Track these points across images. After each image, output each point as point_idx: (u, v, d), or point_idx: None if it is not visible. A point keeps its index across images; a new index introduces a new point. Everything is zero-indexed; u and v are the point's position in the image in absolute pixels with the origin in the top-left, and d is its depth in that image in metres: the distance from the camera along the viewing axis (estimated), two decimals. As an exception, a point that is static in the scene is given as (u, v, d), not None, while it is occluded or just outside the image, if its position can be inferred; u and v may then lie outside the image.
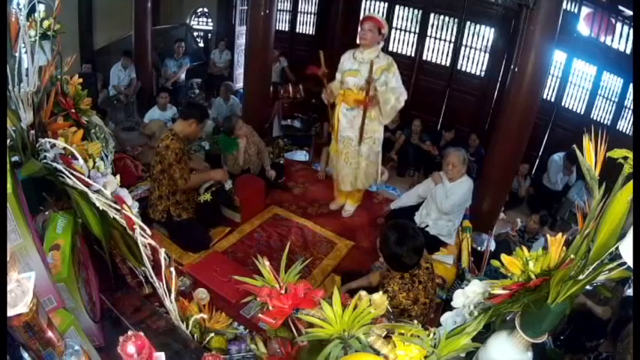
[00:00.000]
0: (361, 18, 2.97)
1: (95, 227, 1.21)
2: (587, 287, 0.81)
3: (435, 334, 0.90)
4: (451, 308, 1.07)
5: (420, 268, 1.78)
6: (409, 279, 1.74)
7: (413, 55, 5.81)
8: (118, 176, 1.33)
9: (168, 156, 2.58)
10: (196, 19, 7.77)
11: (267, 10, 4.02)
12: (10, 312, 0.60)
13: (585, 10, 4.50)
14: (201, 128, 2.81)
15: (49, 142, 1.23)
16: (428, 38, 5.68)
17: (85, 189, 1.18)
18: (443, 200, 2.87)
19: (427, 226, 2.97)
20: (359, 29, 2.92)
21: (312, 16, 6.68)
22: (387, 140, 5.15)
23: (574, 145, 0.88)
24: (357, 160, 3.15)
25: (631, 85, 4.27)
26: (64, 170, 1.18)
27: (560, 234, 0.88)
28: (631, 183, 0.69)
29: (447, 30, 5.59)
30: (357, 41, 3.00)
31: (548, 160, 4.67)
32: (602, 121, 4.63)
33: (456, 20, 5.44)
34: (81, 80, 1.80)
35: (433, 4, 5.51)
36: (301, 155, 4.79)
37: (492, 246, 3.34)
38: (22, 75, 1.25)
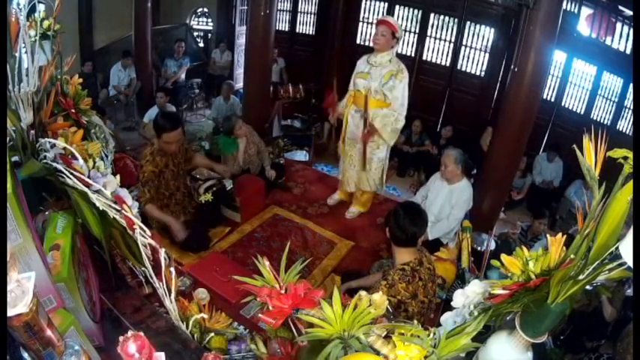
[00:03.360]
0: (375, 20, 2.98)
1: (95, 227, 1.21)
2: (587, 287, 0.81)
3: (435, 334, 0.90)
4: (451, 308, 1.07)
5: (421, 265, 1.80)
6: (410, 272, 1.76)
7: (413, 55, 5.82)
8: (118, 176, 1.33)
9: (140, 176, 2.55)
10: (196, 19, 7.77)
11: (267, 10, 4.03)
12: (10, 312, 0.60)
13: (585, 10, 4.50)
14: (175, 137, 2.50)
15: (49, 142, 1.23)
16: (428, 38, 5.69)
17: (85, 189, 1.18)
18: (445, 207, 2.87)
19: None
20: (372, 32, 2.98)
21: (312, 16, 6.68)
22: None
23: (574, 145, 0.88)
24: (360, 162, 3.16)
25: (631, 85, 4.27)
26: (64, 170, 1.18)
27: (560, 234, 0.88)
28: (631, 183, 0.69)
29: (447, 30, 5.60)
30: (372, 44, 2.99)
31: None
32: (602, 121, 4.64)
33: (456, 20, 5.45)
34: (81, 80, 1.80)
35: (433, 4, 5.52)
36: (301, 155, 4.80)
37: (492, 246, 3.34)
38: (22, 75, 1.24)
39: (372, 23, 5.74)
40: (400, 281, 1.73)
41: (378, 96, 2.89)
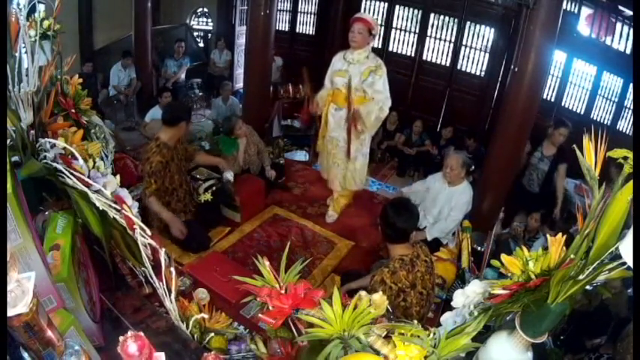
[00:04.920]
0: (351, 19, 2.89)
1: (95, 227, 1.21)
2: (588, 287, 0.81)
3: (435, 334, 0.90)
4: (451, 308, 1.07)
5: (418, 258, 1.83)
6: (409, 261, 1.80)
7: (413, 55, 5.82)
8: (118, 176, 1.33)
9: (145, 167, 2.57)
10: (196, 19, 7.77)
11: (267, 10, 4.02)
12: (10, 312, 0.60)
13: (585, 10, 4.50)
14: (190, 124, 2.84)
15: (49, 142, 1.23)
16: (428, 38, 5.69)
17: (85, 189, 1.18)
18: (444, 208, 2.87)
19: (425, 227, 2.97)
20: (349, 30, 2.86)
21: (312, 16, 6.68)
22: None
23: (574, 145, 0.88)
24: (344, 161, 3.11)
25: (631, 85, 4.26)
26: (64, 170, 1.18)
27: (560, 234, 0.88)
28: (631, 183, 0.69)
29: (447, 30, 5.60)
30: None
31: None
32: (602, 121, 4.63)
33: (456, 20, 5.44)
34: (81, 80, 1.80)
35: (433, 4, 5.52)
36: (301, 155, 4.79)
37: (492, 246, 3.33)
38: (22, 75, 1.25)
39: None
40: (401, 269, 1.77)
41: (359, 93, 2.85)
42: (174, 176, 2.70)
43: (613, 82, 4.55)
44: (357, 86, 2.84)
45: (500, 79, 5.18)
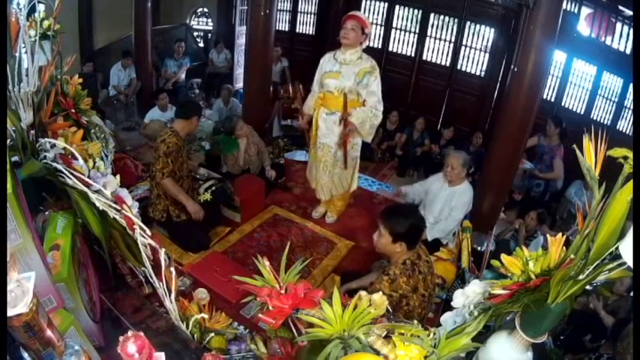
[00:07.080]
0: (344, 17, 2.79)
1: (95, 227, 1.21)
2: (588, 287, 0.81)
3: (435, 334, 0.90)
4: (451, 308, 1.07)
5: (420, 259, 1.83)
6: (410, 266, 1.79)
7: (413, 55, 5.81)
8: (118, 176, 1.33)
9: (160, 148, 2.59)
10: (196, 19, 7.77)
11: (267, 10, 4.02)
12: (10, 312, 0.60)
13: (585, 10, 4.50)
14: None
15: (49, 142, 1.23)
16: (428, 38, 5.68)
17: (85, 189, 1.18)
18: (445, 208, 2.87)
19: (425, 227, 2.97)
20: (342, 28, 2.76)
21: (312, 16, 6.68)
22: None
23: (574, 145, 0.88)
24: (334, 166, 3.03)
25: (631, 85, 4.26)
26: (64, 170, 1.18)
27: (560, 234, 0.88)
28: (631, 183, 0.69)
29: (447, 30, 5.59)
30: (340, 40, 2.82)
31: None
32: (602, 121, 4.63)
33: (456, 20, 5.44)
34: (81, 80, 1.80)
35: (433, 4, 5.51)
36: (301, 155, 4.79)
37: (492, 246, 3.34)
38: (22, 75, 1.25)
39: (372, 24, 5.72)
40: (401, 275, 1.76)
41: (352, 95, 2.74)
42: (183, 164, 2.75)
43: (613, 82, 4.55)
44: (351, 88, 2.74)
45: (500, 79, 5.18)
